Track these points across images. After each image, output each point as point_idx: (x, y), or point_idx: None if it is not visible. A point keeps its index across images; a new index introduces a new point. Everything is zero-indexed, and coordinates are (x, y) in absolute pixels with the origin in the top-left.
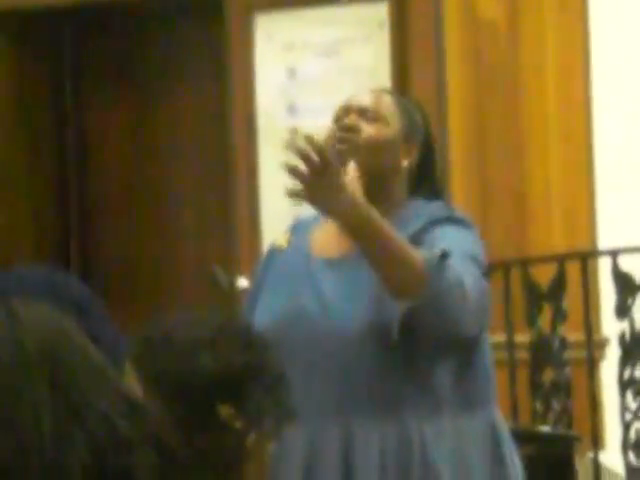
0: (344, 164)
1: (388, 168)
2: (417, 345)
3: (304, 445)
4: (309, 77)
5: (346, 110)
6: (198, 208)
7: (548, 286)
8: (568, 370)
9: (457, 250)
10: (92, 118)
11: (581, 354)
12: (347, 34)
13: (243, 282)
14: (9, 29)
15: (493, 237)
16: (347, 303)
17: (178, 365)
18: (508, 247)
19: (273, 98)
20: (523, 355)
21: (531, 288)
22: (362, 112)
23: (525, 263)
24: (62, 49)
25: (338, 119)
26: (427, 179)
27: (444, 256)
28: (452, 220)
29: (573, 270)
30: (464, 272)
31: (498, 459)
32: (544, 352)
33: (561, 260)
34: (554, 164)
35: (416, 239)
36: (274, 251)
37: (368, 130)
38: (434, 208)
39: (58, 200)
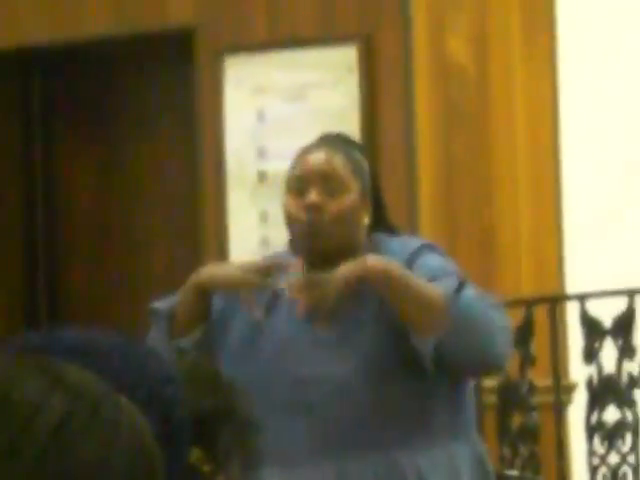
0: (314, 245)
1: (354, 233)
2: (449, 375)
3: None
4: (278, 120)
5: (305, 180)
6: (168, 252)
7: (516, 330)
8: (536, 415)
9: (455, 274)
10: (60, 163)
11: (549, 399)
12: (316, 78)
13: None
14: None
15: None
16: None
17: None
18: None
19: (242, 141)
20: (491, 399)
21: None
22: (322, 182)
23: None
24: (30, 92)
25: (298, 192)
26: (380, 217)
27: (461, 286)
28: (427, 248)
29: (541, 314)
30: (483, 296)
31: None
32: (512, 396)
33: (529, 304)
34: (523, 209)
35: (409, 266)
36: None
37: (333, 206)
38: (404, 241)
39: (26, 248)
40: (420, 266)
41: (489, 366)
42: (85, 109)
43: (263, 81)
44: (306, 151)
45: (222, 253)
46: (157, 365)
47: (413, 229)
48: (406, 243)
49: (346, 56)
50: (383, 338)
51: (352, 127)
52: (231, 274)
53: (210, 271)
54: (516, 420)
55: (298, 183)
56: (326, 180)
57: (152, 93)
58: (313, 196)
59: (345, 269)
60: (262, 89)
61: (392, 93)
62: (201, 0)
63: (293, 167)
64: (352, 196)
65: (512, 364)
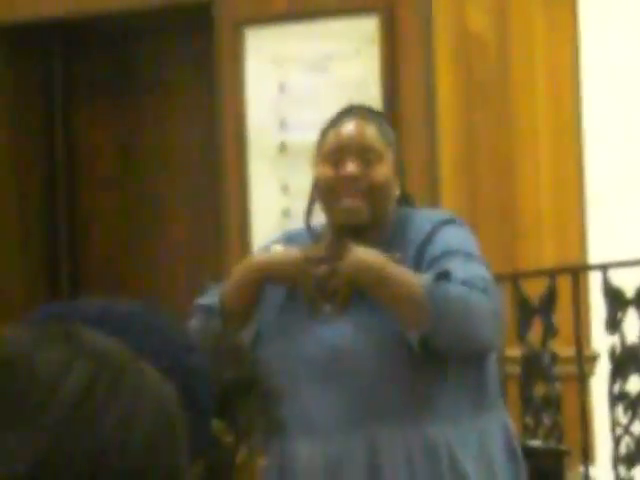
0: (350, 217)
1: (388, 205)
2: (439, 358)
3: (327, 460)
4: (299, 91)
5: (339, 150)
6: (189, 223)
7: (539, 301)
8: (558, 385)
9: (461, 252)
10: (81, 132)
11: (571, 369)
12: (337, 48)
13: None
14: None
15: (483, 251)
16: (364, 317)
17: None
18: (498, 262)
19: (263, 113)
20: (514, 369)
21: (522, 303)
22: (359, 153)
23: (516, 278)
24: (52, 63)
25: (335, 162)
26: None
27: (442, 276)
28: (449, 222)
29: (564, 284)
30: (471, 280)
31: (513, 456)
32: (535, 367)
33: (552, 275)
34: (544, 179)
35: (422, 249)
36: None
37: (370, 177)
38: (426, 215)
39: (48, 216)
40: (433, 244)
41: (476, 352)
42: (105, 80)
43: (284, 52)
44: (337, 121)
45: (243, 224)
46: (180, 334)
47: (434, 199)
48: (428, 218)
49: (367, 27)
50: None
51: (373, 98)
52: (289, 268)
53: (268, 261)
54: (539, 390)
55: (333, 154)
56: (362, 151)
57: (172, 65)
58: (350, 167)
59: (341, 267)
60: (283, 60)
61: (413, 64)
62: None
63: (325, 137)
64: (387, 167)
65: (535, 334)
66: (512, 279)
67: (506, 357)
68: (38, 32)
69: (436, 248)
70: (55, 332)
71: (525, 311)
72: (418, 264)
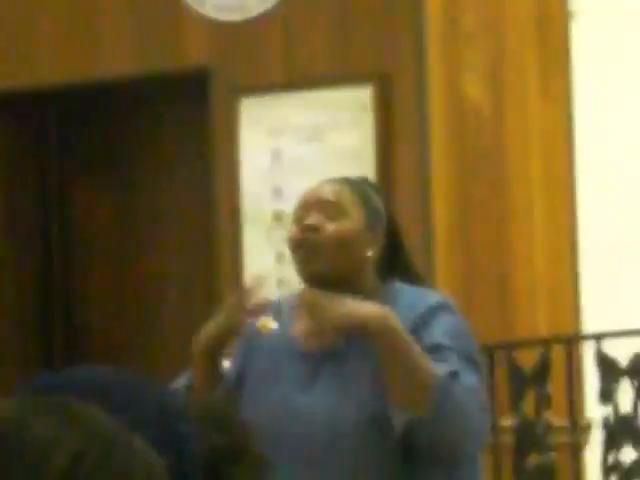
0: (310, 267)
1: (354, 261)
2: (414, 452)
3: None
4: (294, 161)
5: (306, 207)
6: (184, 294)
7: (532, 370)
8: (553, 454)
9: (460, 352)
10: (76, 204)
11: (565, 438)
12: (332, 117)
13: (227, 365)
14: None
15: (477, 319)
16: (344, 397)
17: None
18: (492, 330)
19: (258, 181)
20: (508, 439)
21: (515, 372)
22: (323, 207)
23: (509, 346)
24: (46, 131)
25: (299, 219)
26: (399, 263)
27: (453, 376)
28: (444, 308)
29: (557, 353)
30: (470, 391)
31: None
32: (528, 436)
33: (545, 344)
34: (538, 247)
35: (416, 331)
36: (256, 335)
37: (331, 227)
38: (419, 295)
39: (42, 288)
40: (431, 330)
41: (454, 460)
42: (101, 149)
43: (279, 121)
44: (311, 186)
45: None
46: (170, 401)
47: (428, 269)
48: (421, 297)
49: (361, 96)
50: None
51: (368, 167)
52: (210, 326)
53: (199, 336)
54: (533, 460)
55: (298, 212)
56: (326, 206)
57: (168, 132)
58: (311, 218)
59: (349, 308)
60: (278, 129)
61: (407, 132)
62: (217, 40)
63: (298, 201)
64: (352, 222)
65: (528, 403)
66: (506, 348)
67: (500, 426)
68: (33, 99)
69: (434, 336)
70: (45, 403)
71: (519, 380)
72: None
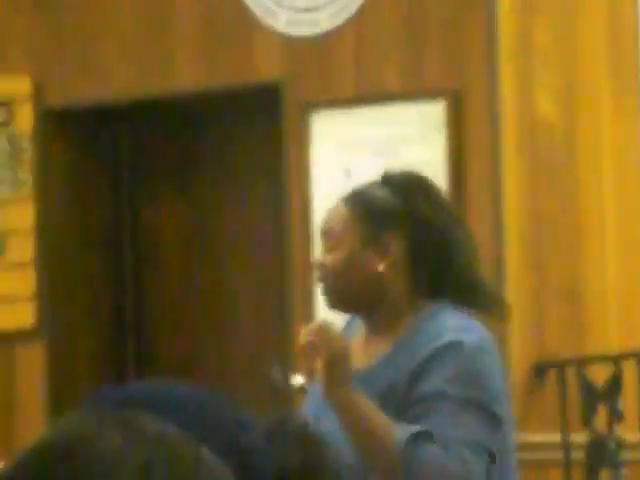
0: (326, 300)
1: (361, 283)
2: None
3: None
4: (365, 175)
5: (320, 237)
6: (254, 306)
7: (604, 386)
8: (625, 471)
9: (456, 398)
10: (148, 217)
11: (637, 454)
12: (403, 133)
13: (298, 379)
14: (66, 128)
15: (549, 335)
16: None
17: None
18: (564, 346)
19: (329, 196)
20: (579, 455)
21: (587, 388)
22: (324, 237)
23: (581, 362)
24: (119, 145)
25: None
26: (448, 277)
27: (422, 435)
28: (454, 348)
29: (629, 369)
30: (455, 443)
31: None
32: (600, 452)
33: (617, 360)
34: (611, 263)
35: (414, 379)
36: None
37: (328, 260)
38: (439, 329)
39: (114, 298)
40: (427, 379)
41: None
42: (173, 163)
43: (350, 136)
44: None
45: (308, 308)
46: (234, 413)
47: (499, 281)
48: (439, 333)
49: (434, 111)
50: None
51: (439, 183)
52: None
53: None
54: (605, 476)
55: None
56: (325, 236)
57: (239, 147)
58: (317, 253)
59: (321, 370)
60: (349, 144)
61: (479, 148)
62: (289, 55)
63: None
64: (342, 250)
65: (599, 419)
66: (577, 364)
67: (571, 443)
68: (106, 115)
69: (430, 384)
70: (110, 418)
71: (590, 396)
72: (407, 395)
